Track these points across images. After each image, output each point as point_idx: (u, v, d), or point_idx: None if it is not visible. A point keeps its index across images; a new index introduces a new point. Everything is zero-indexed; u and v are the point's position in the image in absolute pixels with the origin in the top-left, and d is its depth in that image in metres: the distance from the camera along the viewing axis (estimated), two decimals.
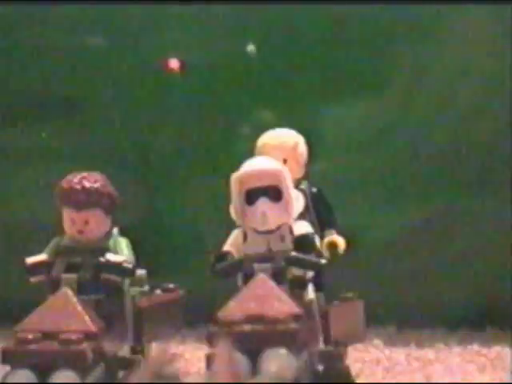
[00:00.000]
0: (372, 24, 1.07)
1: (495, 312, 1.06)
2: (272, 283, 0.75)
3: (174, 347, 1.03)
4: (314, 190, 0.89)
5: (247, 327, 0.72)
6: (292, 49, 1.08)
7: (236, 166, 0.86)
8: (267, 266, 0.77)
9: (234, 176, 0.80)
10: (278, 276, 0.77)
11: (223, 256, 0.81)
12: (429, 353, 0.99)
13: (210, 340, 0.73)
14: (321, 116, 1.09)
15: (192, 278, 1.00)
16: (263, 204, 0.78)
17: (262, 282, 0.76)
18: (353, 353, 0.99)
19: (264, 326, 0.72)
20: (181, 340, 1.05)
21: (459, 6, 1.05)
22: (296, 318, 0.73)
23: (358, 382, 0.90)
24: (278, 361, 0.69)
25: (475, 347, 1.00)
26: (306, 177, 0.90)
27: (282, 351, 0.70)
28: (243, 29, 1.09)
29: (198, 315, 1.01)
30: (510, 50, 1.04)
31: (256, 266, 0.78)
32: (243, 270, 0.78)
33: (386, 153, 1.08)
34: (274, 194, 0.79)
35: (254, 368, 0.70)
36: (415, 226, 1.08)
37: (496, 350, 0.99)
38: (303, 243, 0.79)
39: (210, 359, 0.71)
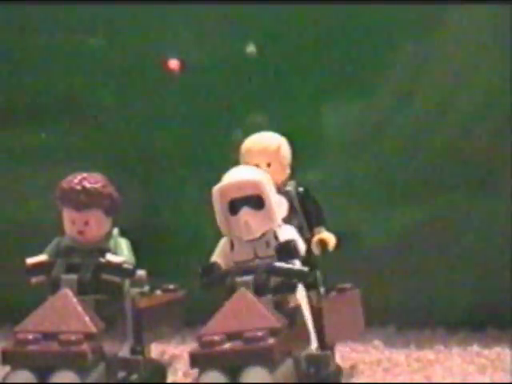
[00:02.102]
0: (372, 24, 1.07)
1: (495, 313, 1.06)
2: (251, 297, 0.76)
3: (174, 347, 1.03)
4: (301, 189, 0.89)
5: (227, 346, 0.73)
6: (292, 49, 1.08)
7: (236, 166, 0.86)
8: (249, 279, 0.77)
9: (216, 188, 0.80)
10: (260, 288, 0.77)
11: (210, 267, 0.81)
12: (429, 354, 0.99)
13: (193, 361, 0.74)
14: (321, 116, 1.09)
15: (192, 278, 1.00)
16: (246, 214, 0.79)
17: (242, 296, 0.76)
18: (353, 354, 0.99)
19: (242, 344, 0.73)
20: (181, 340, 1.05)
21: (460, 6, 1.05)
22: (274, 332, 0.73)
23: (358, 382, 0.90)
24: (256, 379, 0.70)
25: (475, 348, 1.00)
26: (291, 177, 0.90)
27: (258, 370, 0.71)
28: (243, 29, 1.09)
29: (197, 315, 1.01)
30: (511, 51, 1.04)
31: (238, 279, 0.78)
32: (227, 282, 0.78)
33: (385, 153, 1.08)
34: (256, 202, 0.79)
35: None
36: (415, 226, 1.08)
37: (496, 350, 0.99)
38: (285, 250, 0.79)
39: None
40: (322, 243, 0.87)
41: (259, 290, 0.77)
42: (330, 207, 0.95)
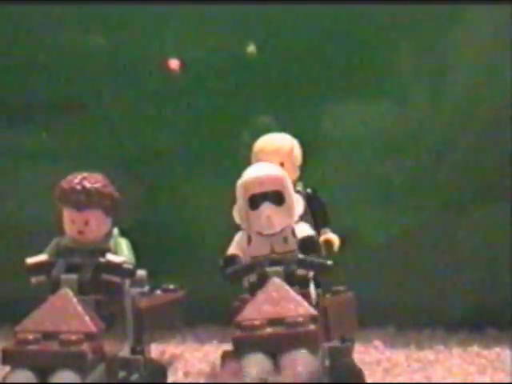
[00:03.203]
0: (373, 24, 1.07)
1: (495, 313, 1.06)
2: (285, 286, 0.77)
3: (174, 347, 1.03)
4: (309, 190, 0.92)
5: (269, 330, 0.74)
6: (292, 49, 1.08)
7: (236, 166, 0.86)
8: (280, 269, 0.79)
9: (239, 182, 0.81)
10: (289, 278, 0.78)
11: (231, 259, 0.81)
12: (429, 354, 0.99)
13: (236, 345, 0.75)
14: (321, 117, 1.09)
15: (192, 278, 1.01)
16: (267, 208, 0.80)
17: (277, 285, 0.77)
18: (353, 354, 0.99)
19: (285, 329, 0.74)
20: (181, 340, 1.05)
21: (462, 6, 1.05)
22: (313, 319, 0.75)
23: (357, 382, 0.90)
24: (302, 360, 0.72)
25: (475, 348, 1.00)
26: (300, 178, 0.92)
27: (305, 352, 0.73)
28: (243, 29, 1.09)
29: (197, 315, 1.02)
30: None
31: (269, 269, 0.79)
32: (256, 272, 0.79)
33: (386, 155, 1.08)
34: (277, 198, 0.81)
35: (277, 369, 0.72)
36: (415, 227, 1.08)
37: (496, 351, 0.99)
38: (308, 245, 0.80)
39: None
40: (328, 244, 0.89)
41: (289, 281, 0.78)
42: (332, 207, 0.95)
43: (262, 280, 0.78)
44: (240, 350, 0.74)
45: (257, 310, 0.76)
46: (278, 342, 0.74)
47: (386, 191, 1.08)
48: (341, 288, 0.89)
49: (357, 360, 0.96)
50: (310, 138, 1.07)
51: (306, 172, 0.93)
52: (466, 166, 1.07)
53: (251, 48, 1.07)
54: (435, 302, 1.08)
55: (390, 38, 1.07)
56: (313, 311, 0.75)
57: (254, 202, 0.81)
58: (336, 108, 1.08)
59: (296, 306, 0.76)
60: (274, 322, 0.75)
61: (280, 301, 0.76)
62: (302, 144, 0.92)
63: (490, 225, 1.07)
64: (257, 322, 0.74)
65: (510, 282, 1.06)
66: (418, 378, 0.91)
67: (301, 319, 0.74)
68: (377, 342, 1.03)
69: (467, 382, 0.90)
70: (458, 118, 1.07)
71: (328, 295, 0.88)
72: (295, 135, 0.92)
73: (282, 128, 0.93)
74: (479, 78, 1.07)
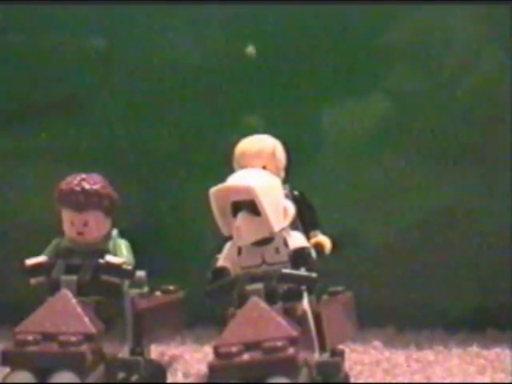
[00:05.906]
0: (372, 25, 1.07)
1: (495, 313, 1.06)
2: (265, 306, 0.75)
3: (174, 348, 1.03)
4: (296, 192, 0.88)
5: (246, 357, 0.72)
6: (291, 50, 1.08)
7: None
8: (259, 286, 0.76)
9: (211, 190, 0.79)
10: (271, 295, 0.76)
11: (220, 272, 0.79)
12: (428, 354, 0.99)
13: (212, 372, 0.72)
14: (320, 118, 1.09)
15: (192, 279, 1.00)
16: (240, 218, 0.78)
17: (255, 305, 0.75)
18: (352, 354, 0.99)
19: (262, 355, 0.71)
20: (180, 341, 1.05)
21: (460, 6, 1.05)
22: (293, 340, 0.72)
23: (357, 383, 0.90)
24: None
25: (475, 349, 1.00)
26: (285, 181, 0.89)
27: (282, 379, 0.70)
28: (242, 30, 1.09)
29: (197, 317, 1.02)
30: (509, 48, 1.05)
31: (248, 287, 0.76)
32: (235, 290, 0.77)
33: (384, 154, 1.08)
34: (253, 207, 0.78)
35: None
36: (414, 226, 1.08)
37: (496, 351, 0.99)
38: (300, 257, 0.78)
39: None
40: (318, 247, 0.86)
41: (270, 298, 0.76)
42: (329, 207, 0.95)
43: (241, 299, 0.76)
44: (216, 378, 0.72)
45: (235, 333, 0.73)
46: (254, 369, 0.71)
47: (384, 191, 1.08)
48: (339, 288, 0.87)
49: (356, 360, 0.97)
50: (309, 138, 1.08)
51: (304, 173, 0.93)
52: (465, 167, 1.07)
53: (250, 49, 1.07)
54: (435, 302, 1.08)
55: (390, 39, 1.07)
56: (293, 333, 0.73)
57: (235, 209, 0.78)
58: (334, 108, 1.08)
59: (275, 327, 0.73)
60: (251, 346, 0.72)
61: (258, 323, 0.73)
62: (300, 145, 0.91)
63: (490, 225, 1.07)
64: (234, 349, 0.72)
65: (509, 282, 1.06)
66: (417, 378, 0.91)
67: (279, 343, 0.71)
68: (376, 343, 1.03)
69: (467, 383, 0.89)
70: (458, 117, 1.07)
71: (325, 296, 0.87)
72: (292, 136, 0.91)
73: (279, 129, 0.92)
74: (481, 74, 1.06)
